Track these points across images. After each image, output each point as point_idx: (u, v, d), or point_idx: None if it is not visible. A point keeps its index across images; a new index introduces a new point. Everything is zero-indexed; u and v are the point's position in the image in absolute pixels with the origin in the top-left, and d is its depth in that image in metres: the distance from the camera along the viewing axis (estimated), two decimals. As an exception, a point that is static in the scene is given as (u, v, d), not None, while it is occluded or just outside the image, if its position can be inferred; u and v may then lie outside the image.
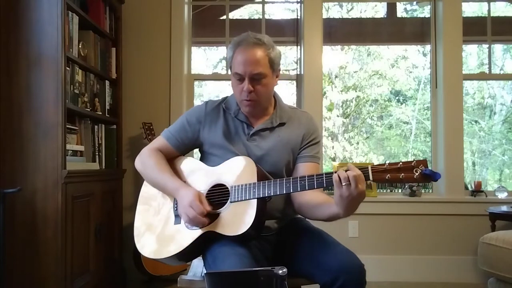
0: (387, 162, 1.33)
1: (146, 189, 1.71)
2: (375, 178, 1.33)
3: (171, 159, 1.71)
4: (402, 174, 1.30)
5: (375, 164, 1.35)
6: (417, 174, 1.29)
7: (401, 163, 1.31)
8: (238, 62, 1.56)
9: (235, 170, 1.53)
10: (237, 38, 1.60)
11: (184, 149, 1.72)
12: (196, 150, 1.79)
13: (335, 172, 1.33)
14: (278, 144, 1.63)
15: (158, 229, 1.59)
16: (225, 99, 1.72)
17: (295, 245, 1.57)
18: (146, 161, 1.67)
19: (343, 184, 1.30)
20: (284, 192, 1.43)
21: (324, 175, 1.37)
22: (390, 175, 1.31)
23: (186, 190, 1.53)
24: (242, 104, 1.61)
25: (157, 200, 1.66)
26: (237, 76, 1.57)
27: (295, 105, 2.77)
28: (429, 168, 1.30)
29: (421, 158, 1.32)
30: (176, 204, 1.58)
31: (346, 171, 1.32)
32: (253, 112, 1.64)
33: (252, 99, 1.57)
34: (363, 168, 1.33)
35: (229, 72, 1.66)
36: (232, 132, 1.65)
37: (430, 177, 1.28)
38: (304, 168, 1.64)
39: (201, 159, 1.72)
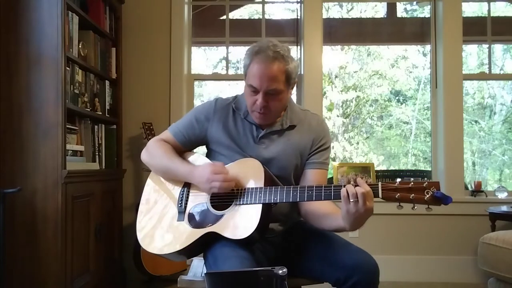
0: (398, 180, 1.31)
1: (149, 187, 1.71)
2: (384, 196, 1.31)
3: (178, 153, 1.69)
4: (413, 194, 1.28)
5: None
6: (428, 196, 1.27)
7: (412, 183, 1.29)
8: (253, 74, 1.52)
9: (242, 172, 1.52)
10: (256, 47, 1.54)
11: (190, 146, 1.71)
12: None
13: (344, 186, 1.32)
14: (287, 147, 1.61)
15: (161, 225, 1.59)
16: (235, 98, 1.70)
17: (303, 245, 1.57)
18: (154, 151, 1.67)
19: (351, 200, 1.28)
20: (291, 200, 1.42)
21: (332, 187, 1.37)
22: (400, 195, 1.29)
23: (199, 169, 1.54)
24: (253, 115, 1.59)
25: (161, 197, 1.65)
26: (251, 88, 1.54)
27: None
28: (441, 191, 1.27)
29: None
30: (181, 200, 1.58)
31: (355, 186, 1.30)
32: (263, 123, 1.62)
33: (265, 112, 1.55)
34: (373, 185, 1.31)
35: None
36: (241, 134, 1.63)
37: (441, 200, 1.26)
38: (312, 175, 1.63)
39: (208, 156, 1.71)
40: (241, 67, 1.65)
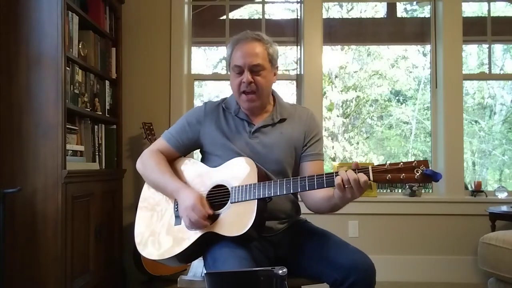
0: (388, 162, 1.33)
1: (147, 190, 1.71)
2: (375, 179, 1.33)
3: (172, 160, 1.71)
4: (403, 174, 1.30)
5: (375, 164, 1.35)
6: (418, 174, 1.29)
7: (401, 164, 1.31)
8: (237, 56, 1.59)
9: (235, 171, 1.53)
10: (236, 36, 1.64)
11: (184, 150, 1.72)
12: (196, 152, 1.79)
13: (337, 173, 1.34)
14: (281, 140, 1.64)
15: (158, 230, 1.59)
16: (224, 100, 1.73)
17: (301, 245, 1.57)
18: (147, 162, 1.67)
19: (346, 186, 1.33)
20: (285, 192, 1.43)
21: (324, 176, 1.38)
22: (390, 176, 1.31)
23: (187, 192, 1.52)
24: (242, 99, 1.61)
25: (158, 201, 1.66)
26: (236, 69, 1.59)
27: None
28: (430, 168, 1.30)
29: (422, 159, 1.32)
30: (177, 205, 1.58)
31: (346, 171, 1.33)
32: (253, 108, 1.64)
33: (251, 90, 1.58)
34: (363, 168, 1.33)
35: (229, 72, 1.67)
36: (233, 131, 1.65)
37: (431, 177, 1.28)
38: (310, 167, 1.65)
39: (202, 160, 1.72)
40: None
